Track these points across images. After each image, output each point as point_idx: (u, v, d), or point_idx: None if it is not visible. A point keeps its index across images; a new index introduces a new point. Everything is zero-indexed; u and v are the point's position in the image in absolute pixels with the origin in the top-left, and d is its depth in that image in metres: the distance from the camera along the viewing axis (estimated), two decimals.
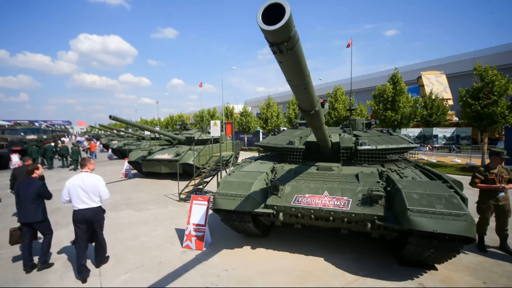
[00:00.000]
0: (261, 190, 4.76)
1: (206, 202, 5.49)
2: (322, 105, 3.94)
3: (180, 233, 5.93)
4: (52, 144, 18.32)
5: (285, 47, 2.22)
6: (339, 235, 5.08)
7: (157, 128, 18.26)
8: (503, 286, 4.02)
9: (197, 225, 5.35)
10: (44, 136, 25.05)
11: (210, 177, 9.42)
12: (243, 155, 15.17)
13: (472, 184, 5.14)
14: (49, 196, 4.74)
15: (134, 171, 13.94)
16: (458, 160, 17.03)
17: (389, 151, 5.74)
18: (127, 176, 13.26)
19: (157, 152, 12.22)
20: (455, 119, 28.31)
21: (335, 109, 20.73)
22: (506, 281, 4.12)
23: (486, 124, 13.28)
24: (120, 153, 21.12)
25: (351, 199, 4.36)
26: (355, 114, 20.48)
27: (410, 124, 17.64)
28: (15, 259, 4.96)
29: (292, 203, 4.52)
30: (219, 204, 4.66)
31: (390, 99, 16.75)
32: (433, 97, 22.18)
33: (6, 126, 21.97)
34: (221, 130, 9.93)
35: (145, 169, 12.38)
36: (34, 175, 4.81)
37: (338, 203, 4.35)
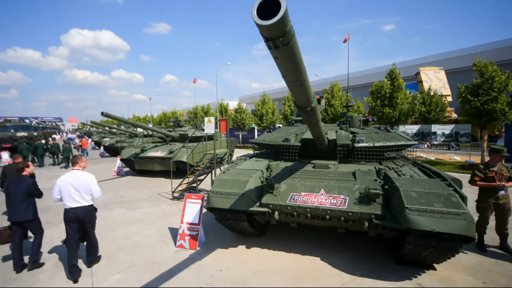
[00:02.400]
0: (256, 188, 4.67)
1: (200, 201, 5.41)
2: (319, 101, 3.85)
3: (174, 232, 5.84)
4: (43, 141, 18.18)
5: (281, 42, 2.18)
6: (336, 234, 5.01)
7: (150, 125, 18.08)
8: (503, 286, 3.96)
9: (191, 224, 5.27)
10: (35, 133, 24.89)
11: (204, 175, 9.34)
12: (238, 153, 15.08)
13: (472, 182, 5.07)
14: (39, 194, 4.66)
15: (127, 169, 13.78)
16: (457, 157, 16.98)
17: (387, 149, 5.67)
18: (119, 174, 13.13)
19: (150, 150, 12.09)
20: (454, 116, 28.26)
21: (331, 106, 20.64)
22: (506, 281, 4.06)
23: (485, 121, 13.22)
24: (112, 151, 20.91)
25: (348, 198, 4.28)
26: (352, 111, 20.39)
27: (408, 121, 17.60)
28: (5, 258, 4.87)
29: (287, 202, 4.45)
30: (213, 203, 4.59)
31: (387, 95, 16.68)
32: (432, 93, 22.09)
33: None
34: (215, 127, 9.82)
35: (137, 167, 12.24)
36: (25, 173, 4.73)
37: (335, 201, 4.28)
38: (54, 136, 34.69)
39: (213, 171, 8.88)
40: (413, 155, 7.36)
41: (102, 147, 22.53)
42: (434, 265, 4.41)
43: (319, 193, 4.46)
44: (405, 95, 16.86)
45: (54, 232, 5.99)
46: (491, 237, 5.27)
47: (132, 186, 10.87)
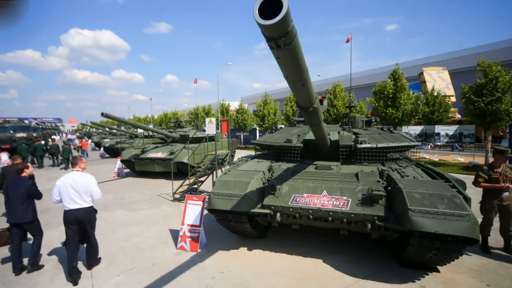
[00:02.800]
0: (258, 190, 4.63)
1: (201, 202, 5.37)
2: (321, 102, 3.82)
3: (174, 234, 5.81)
4: (42, 142, 18.14)
5: (283, 42, 2.15)
6: (338, 236, 4.96)
7: (151, 126, 18.08)
8: None
9: (192, 225, 5.23)
10: (34, 134, 24.94)
11: (205, 176, 9.32)
12: (239, 154, 15.03)
13: (475, 183, 5.00)
14: (39, 195, 4.63)
15: (127, 170, 13.78)
16: (461, 158, 16.86)
17: (390, 150, 5.62)
18: (120, 175, 13.10)
19: (150, 151, 12.07)
20: (458, 116, 28.09)
21: (334, 106, 20.56)
22: (510, 284, 4.00)
23: (489, 122, 13.12)
24: (113, 152, 20.84)
25: (350, 199, 4.24)
26: (355, 112, 20.35)
27: (411, 121, 17.49)
28: (4, 261, 4.85)
29: (289, 203, 4.40)
30: (215, 204, 4.55)
31: (390, 95, 16.59)
32: (435, 93, 21.95)
33: None
34: (217, 128, 9.78)
35: (138, 168, 12.22)
36: (24, 174, 4.70)
37: (337, 203, 4.23)
38: (53, 137, 34.81)
39: (214, 172, 8.85)
40: (416, 156, 7.29)
41: (102, 148, 22.51)
42: (438, 267, 4.35)
43: (322, 194, 4.41)
44: (408, 96, 16.77)
45: (54, 234, 5.97)
46: (495, 239, 5.20)
47: (132, 188, 10.84)
